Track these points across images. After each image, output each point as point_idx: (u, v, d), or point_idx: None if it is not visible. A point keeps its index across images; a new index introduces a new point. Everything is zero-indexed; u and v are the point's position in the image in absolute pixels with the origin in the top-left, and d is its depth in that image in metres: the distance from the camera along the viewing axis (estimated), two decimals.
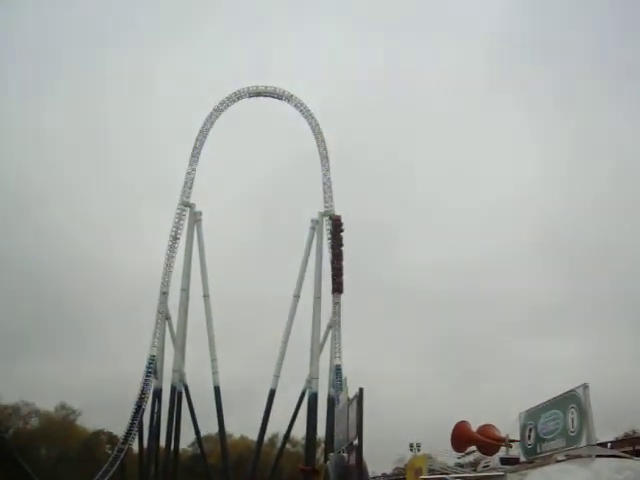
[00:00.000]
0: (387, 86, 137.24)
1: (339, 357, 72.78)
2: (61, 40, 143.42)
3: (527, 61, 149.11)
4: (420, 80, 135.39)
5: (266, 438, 79.88)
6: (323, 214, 78.25)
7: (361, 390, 23.07)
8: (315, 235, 78.20)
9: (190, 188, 77.56)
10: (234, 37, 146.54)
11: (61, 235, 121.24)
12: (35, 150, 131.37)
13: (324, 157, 79.51)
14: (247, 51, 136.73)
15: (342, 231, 75.59)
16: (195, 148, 77.99)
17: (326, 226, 77.55)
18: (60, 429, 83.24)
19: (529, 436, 20.11)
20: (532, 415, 20.05)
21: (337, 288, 74.58)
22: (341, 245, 75.13)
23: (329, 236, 76.67)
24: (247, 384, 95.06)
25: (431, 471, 22.68)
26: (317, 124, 79.92)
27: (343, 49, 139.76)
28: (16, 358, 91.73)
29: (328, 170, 79.23)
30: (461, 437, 28.81)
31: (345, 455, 25.67)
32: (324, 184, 78.92)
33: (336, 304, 74.63)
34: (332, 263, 75.31)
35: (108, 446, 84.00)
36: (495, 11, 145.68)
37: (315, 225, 78.46)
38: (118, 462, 65.91)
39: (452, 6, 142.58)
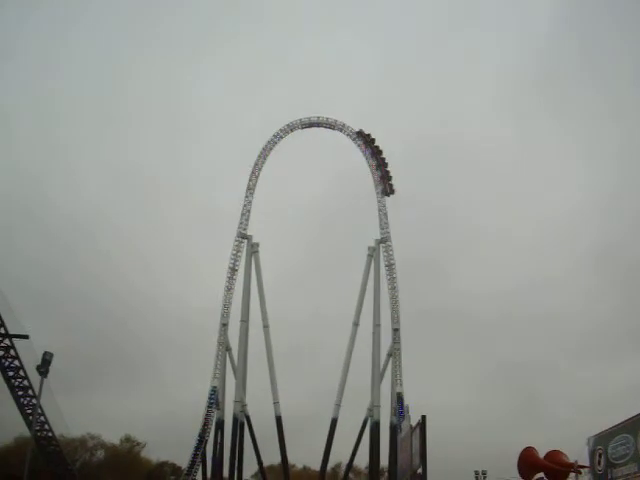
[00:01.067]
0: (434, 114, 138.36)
1: (400, 384, 71.90)
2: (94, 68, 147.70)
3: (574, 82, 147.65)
4: (466, 111, 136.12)
5: (329, 468, 79.31)
6: (380, 241, 78.23)
7: (424, 418, 22.71)
8: (372, 262, 78.18)
9: (247, 220, 78.48)
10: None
11: (116, 276, 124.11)
12: (77, 187, 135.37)
13: (378, 184, 79.77)
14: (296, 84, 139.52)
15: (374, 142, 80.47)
16: (250, 180, 79.01)
17: (382, 253, 77.58)
18: (125, 461, 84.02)
19: (599, 462, 19.44)
20: (601, 439, 19.39)
21: (387, 190, 79.66)
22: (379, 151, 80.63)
23: (386, 263, 76.74)
24: (309, 413, 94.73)
25: None
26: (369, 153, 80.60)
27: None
28: (81, 393, 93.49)
29: (383, 197, 79.47)
30: (528, 464, 28.01)
31: None
32: (379, 211, 79.07)
33: (395, 331, 74.16)
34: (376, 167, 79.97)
35: (172, 477, 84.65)
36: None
37: (372, 252, 78.50)
38: None
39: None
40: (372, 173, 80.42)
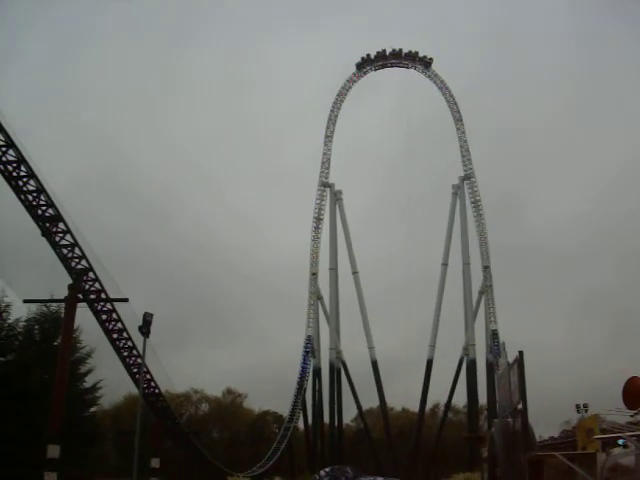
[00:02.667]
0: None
1: (494, 322, 71.07)
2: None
3: None
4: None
5: (427, 408, 79.61)
6: (464, 178, 76.64)
7: (521, 353, 22.13)
8: (457, 200, 76.84)
9: (327, 168, 78.04)
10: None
11: (204, 234, 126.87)
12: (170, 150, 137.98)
13: (458, 120, 77.81)
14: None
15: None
16: (328, 128, 78.33)
17: (467, 190, 76.05)
18: (228, 412, 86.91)
19: None
20: None
21: None
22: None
23: (472, 200, 75.30)
24: (403, 356, 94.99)
25: (603, 431, 21.42)
26: (447, 87, 78.49)
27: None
28: (182, 350, 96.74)
29: (464, 133, 77.59)
30: (635, 393, 27.07)
31: (510, 421, 24.79)
32: (461, 147, 77.32)
33: (486, 268, 73.09)
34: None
35: (275, 425, 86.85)
36: None
37: (457, 190, 77.09)
38: (286, 440, 67.75)
39: None
40: (450, 108, 78.38)
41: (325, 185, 77.86)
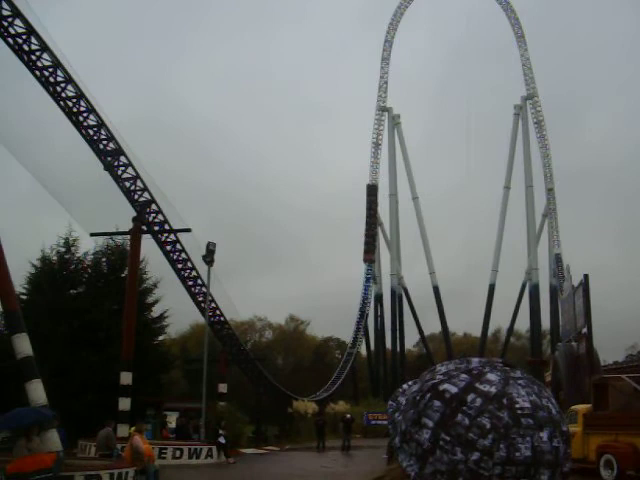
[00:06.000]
0: None
1: (558, 245, 69.91)
2: None
3: None
4: None
5: (489, 333, 79.75)
6: (526, 97, 74.27)
7: (586, 277, 21.80)
8: (520, 121, 74.68)
9: (385, 92, 76.44)
10: None
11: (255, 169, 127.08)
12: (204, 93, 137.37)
13: (520, 37, 74.88)
14: None
15: None
16: (384, 50, 76.33)
17: (530, 110, 73.77)
18: (292, 339, 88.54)
19: None
20: None
21: None
22: None
23: (534, 120, 73.11)
24: (465, 281, 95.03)
25: None
26: (509, 4, 75.35)
27: None
28: (244, 279, 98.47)
29: (526, 50, 74.74)
30: None
31: (574, 344, 24.58)
32: (523, 65, 74.57)
33: (549, 191, 71.51)
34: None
35: (337, 352, 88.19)
36: None
37: (519, 111, 74.81)
38: (349, 366, 68.80)
39: None
40: (512, 25, 75.36)
41: (383, 109, 76.40)
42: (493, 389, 0.91)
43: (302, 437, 45.60)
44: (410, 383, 1.12)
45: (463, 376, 0.95)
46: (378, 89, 76.26)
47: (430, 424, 0.96)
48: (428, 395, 1.00)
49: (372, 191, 73.05)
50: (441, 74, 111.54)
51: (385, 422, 48.80)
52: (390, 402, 1.08)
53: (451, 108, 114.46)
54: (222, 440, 30.57)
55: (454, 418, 0.95)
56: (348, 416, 39.28)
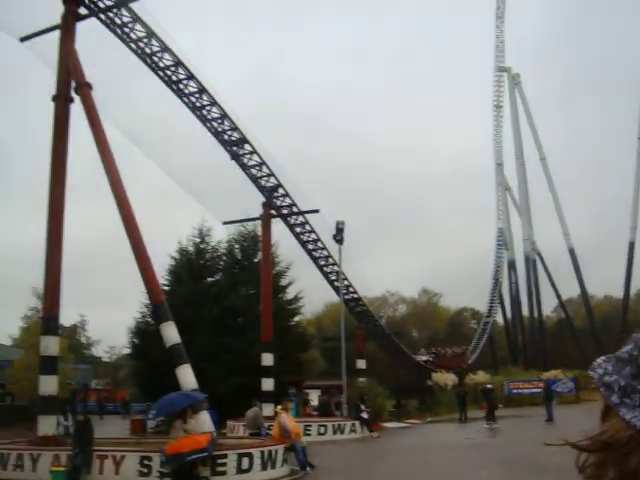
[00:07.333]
0: None
1: None
2: None
3: None
4: None
5: (632, 294, 75.94)
6: None
7: None
8: None
9: (502, 51, 73.71)
10: None
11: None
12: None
13: None
14: None
15: None
16: (498, 8, 73.38)
17: None
18: (425, 311, 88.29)
19: None
20: None
21: None
22: None
23: None
24: (601, 241, 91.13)
25: None
26: None
27: None
28: (373, 255, 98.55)
29: None
30: None
31: None
32: None
33: None
34: None
35: (473, 321, 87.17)
36: None
37: None
38: (486, 335, 67.82)
39: None
40: None
41: (502, 70, 73.84)
42: None
43: (443, 409, 45.39)
44: (603, 358, 1.19)
45: None
46: (494, 49, 73.63)
47: None
48: None
49: None
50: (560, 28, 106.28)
51: (528, 391, 47.99)
52: (597, 369, 1.14)
53: (575, 59, 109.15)
54: (364, 415, 30.93)
55: None
56: (489, 386, 38.67)
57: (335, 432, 29.81)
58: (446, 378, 53.19)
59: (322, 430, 29.57)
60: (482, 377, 53.19)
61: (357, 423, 30.59)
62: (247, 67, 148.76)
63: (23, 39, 23.51)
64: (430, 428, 36.25)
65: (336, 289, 40.05)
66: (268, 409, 28.34)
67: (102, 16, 24.39)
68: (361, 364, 41.13)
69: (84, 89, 21.12)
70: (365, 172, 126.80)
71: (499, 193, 73.24)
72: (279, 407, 20.02)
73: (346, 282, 40.19)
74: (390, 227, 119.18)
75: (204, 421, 17.32)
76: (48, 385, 19.44)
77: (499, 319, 74.53)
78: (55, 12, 22.33)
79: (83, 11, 23.27)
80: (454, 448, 23.39)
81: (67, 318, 61.36)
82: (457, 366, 57.29)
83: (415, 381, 52.71)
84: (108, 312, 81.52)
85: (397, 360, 51.70)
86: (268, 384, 31.61)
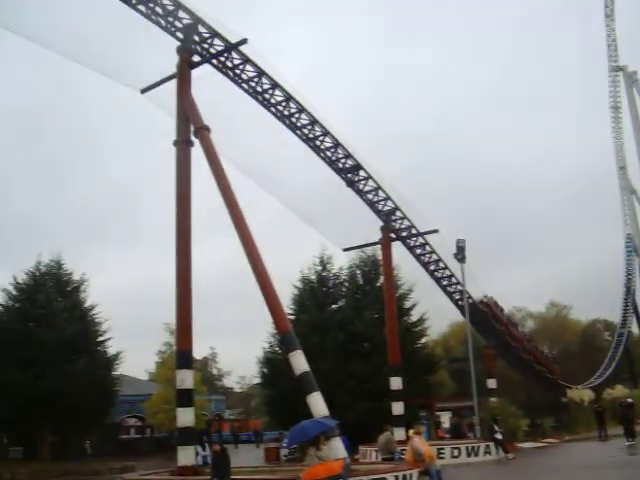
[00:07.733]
0: None
1: None
2: None
3: None
4: None
5: None
6: None
7: None
8: None
9: (615, 50, 70.69)
10: None
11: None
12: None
13: None
14: None
15: None
16: (607, 6, 70.27)
17: None
18: (555, 325, 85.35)
19: None
20: None
21: None
22: None
23: None
24: None
25: None
26: None
27: None
28: (498, 270, 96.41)
29: None
30: None
31: None
32: None
33: None
34: None
35: (607, 333, 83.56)
36: None
37: None
38: (621, 347, 64.95)
39: None
40: None
41: (617, 69, 70.82)
42: None
43: (580, 427, 43.77)
44: None
45: None
46: (607, 48, 70.71)
47: None
48: None
49: None
50: None
51: None
52: None
53: None
54: (498, 436, 30.31)
55: None
56: (629, 400, 36.97)
57: (469, 454, 29.35)
58: (582, 394, 51.36)
59: (455, 453, 29.18)
60: (620, 391, 50.90)
61: (491, 444, 30.02)
62: (357, 90, 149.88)
63: (143, 91, 24.90)
64: (568, 447, 35.07)
65: (461, 308, 39.68)
66: (399, 433, 28.33)
67: (214, 61, 25.53)
68: (491, 383, 40.44)
69: (202, 132, 22.15)
70: (492, 190, 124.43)
71: (624, 197, 70.17)
72: (411, 431, 20.00)
73: (470, 300, 39.70)
74: (510, 241, 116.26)
75: (337, 447, 17.53)
76: (185, 417, 20.18)
77: (634, 329, 71.17)
78: (170, 63, 23.60)
79: (196, 58, 24.51)
80: (596, 468, 22.59)
81: (199, 350, 63.41)
82: None
83: (549, 398, 51.12)
84: (237, 343, 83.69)
85: (528, 378, 50.38)
86: (398, 408, 31.52)
